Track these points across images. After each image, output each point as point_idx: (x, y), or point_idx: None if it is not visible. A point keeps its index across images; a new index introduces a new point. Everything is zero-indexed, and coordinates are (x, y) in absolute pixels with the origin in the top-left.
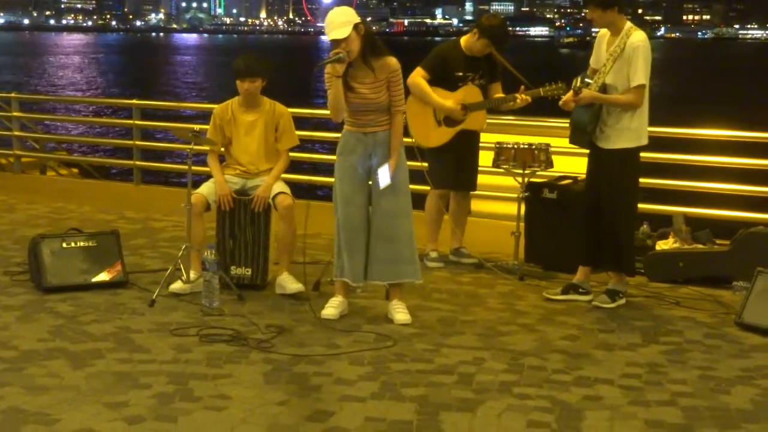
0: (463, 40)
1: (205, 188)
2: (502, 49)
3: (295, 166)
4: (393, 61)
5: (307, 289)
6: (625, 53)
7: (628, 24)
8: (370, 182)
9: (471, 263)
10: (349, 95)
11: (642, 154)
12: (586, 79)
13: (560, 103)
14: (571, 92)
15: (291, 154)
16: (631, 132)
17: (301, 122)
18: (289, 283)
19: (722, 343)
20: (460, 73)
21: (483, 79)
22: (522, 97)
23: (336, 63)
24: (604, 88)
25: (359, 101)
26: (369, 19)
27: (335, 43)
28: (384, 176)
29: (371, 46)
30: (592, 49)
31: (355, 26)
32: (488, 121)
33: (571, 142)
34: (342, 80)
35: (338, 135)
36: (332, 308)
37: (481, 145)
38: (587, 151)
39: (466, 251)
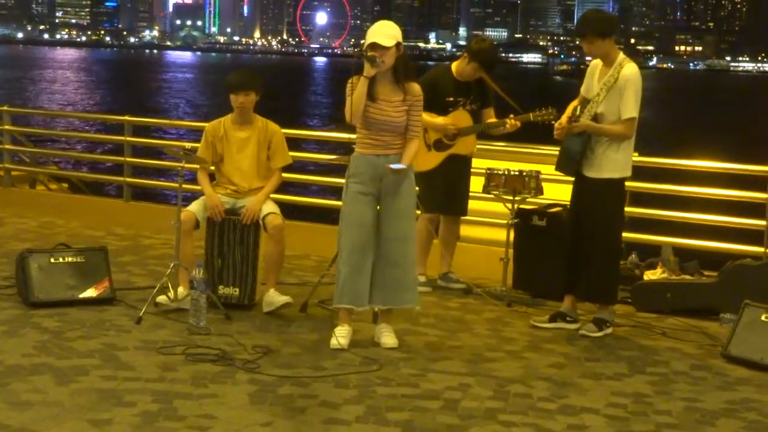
0: (454, 66)
1: (195, 206)
2: (491, 72)
3: (285, 187)
4: (418, 87)
5: (295, 311)
6: (617, 84)
7: (622, 55)
8: (378, 207)
9: (459, 288)
10: (370, 110)
11: (632, 184)
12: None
13: (555, 132)
14: (564, 118)
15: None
16: (617, 163)
17: (294, 143)
18: (275, 297)
19: (708, 375)
20: (451, 98)
21: (474, 105)
22: (512, 122)
23: (370, 62)
24: (595, 118)
25: (380, 117)
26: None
27: (374, 47)
28: (396, 165)
29: (405, 68)
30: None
31: (398, 44)
32: (479, 147)
33: (557, 169)
34: (368, 88)
35: (329, 157)
36: (342, 338)
37: (471, 170)
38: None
39: (454, 276)
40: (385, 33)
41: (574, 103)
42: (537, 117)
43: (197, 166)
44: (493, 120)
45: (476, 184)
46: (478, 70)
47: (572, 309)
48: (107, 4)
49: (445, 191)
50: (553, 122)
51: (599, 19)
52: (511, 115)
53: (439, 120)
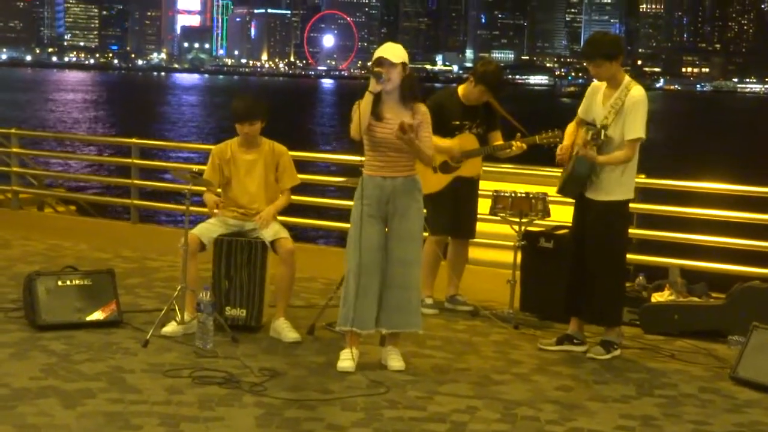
0: (461, 89)
1: (200, 228)
2: (498, 95)
3: (292, 209)
4: (424, 107)
5: (302, 333)
6: (625, 106)
7: (627, 77)
8: (387, 229)
9: (466, 310)
10: (377, 129)
11: (639, 206)
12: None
13: (558, 156)
14: (567, 142)
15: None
16: (622, 185)
17: (301, 165)
18: (285, 330)
19: (717, 397)
20: (457, 122)
21: (480, 128)
22: (518, 144)
23: (375, 78)
24: (585, 136)
25: (386, 136)
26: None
27: (380, 62)
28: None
29: (411, 88)
30: None
31: (404, 63)
32: (486, 169)
33: (561, 192)
34: (373, 106)
35: (337, 179)
36: (348, 361)
37: (478, 192)
38: None
39: (461, 298)
40: (391, 51)
41: (572, 125)
42: (543, 139)
43: (204, 188)
44: (499, 143)
45: (483, 206)
46: (484, 93)
47: (579, 331)
48: (116, 22)
49: (452, 213)
50: (560, 144)
51: (606, 42)
52: (518, 135)
53: (446, 142)
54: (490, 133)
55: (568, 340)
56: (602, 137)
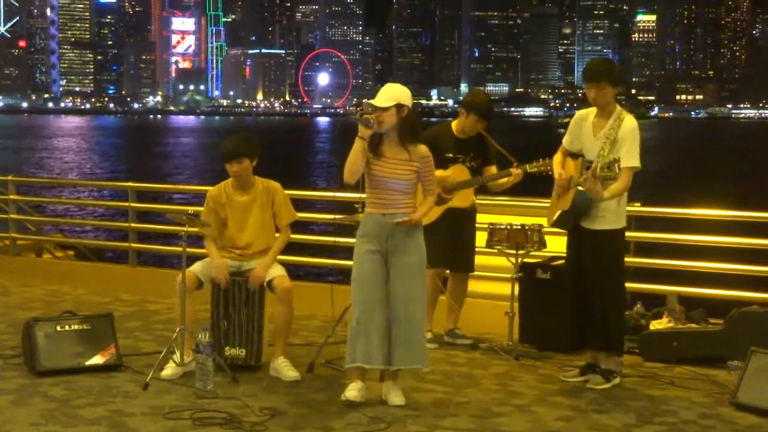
0: (455, 123)
1: (197, 266)
2: (489, 121)
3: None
4: (424, 148)
5: (302, 371)
6: (619, 136)
7: (618, 107)
8: (388, 265)
9: (466, 344)
10: (376, 168)
11: (636, 234)
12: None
13: (557, 189)
14: (566, 175)
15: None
16: (618, 214)
17: (298, 203)
18: (285, 369)
19: (717, 423)
20: (450, 155)
21: (475, 162)
22: (515, 172)
23: (361, 124)
24: (594, 170)
25: (386, 175)
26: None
27: (374, 108)
28: (399, 218)
29: (410, 131)
30: None
31: (399, 106)
32: (481, 202)
33: (555, 225)
34: (370, 144)
35: (334, 216)
36: (354, 391)
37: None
38: None
39: (460, 332)
40: (384, 94)
41: (558, 156)
42: (533, 168)
43: (199, 229)
44: (492, 173)
45: (480, 239)
46: (477, 122)
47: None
48: (111, 67)
49: (447, 246)
50: (551, 173)
51: (613, 68)
52: (515, 164)
53: (438, 173)
54: (485, 167)
55: (591, 369)
56: (617, 169)
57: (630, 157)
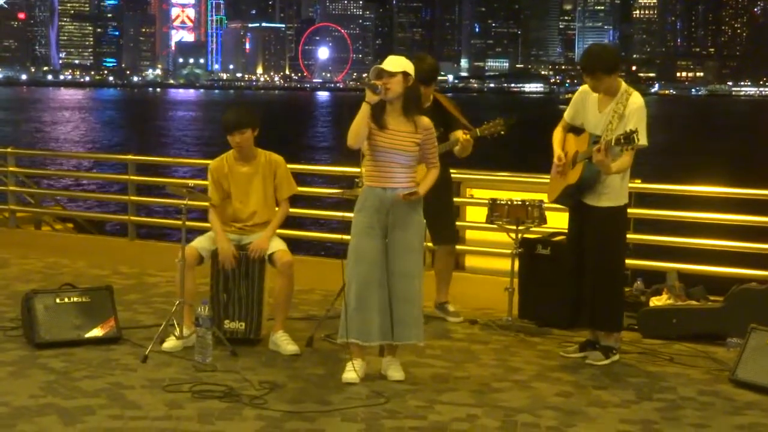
0: None
1: (199, 241)
2: (432, 84)
3: (289, 222)
4: (427, 120)
5: (301, 345)
6: (626, 112)
7: (624, 84)
8: (387, 240)
9: (455, 321)
10: (379, 138)
11: (636, 210)
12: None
13: (557, 168)
14: (570, 156)
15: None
16: (621, 190)
17: (299, 178)
18: (284, 343)
19: (716, 400)
20: None
21: (437, 131)
22: (464, 137)
23: (370, 89)
24: (609, 142)
25: (389, 146)
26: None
27: (379, 74)
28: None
29: (415, 102)
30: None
31: (405, 74)
32: (484, 177)
33: (558, 201)
34: (373, 115)
35: (334, 190)
36: (352, 372)
37: (474, 201)
38: None
39: (452, 308)
40: (393, 61)
41: (558, 131)
42: (484, 131)
43: (200, 203)
44: (450, 140)
45: (480, 214)
46: (425, 89)
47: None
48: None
49: (429, 221)
50: (502, 133)
51: (605, 56)
52: (464, 131)
53: None
54: (449, 133)
55: (590, 346)
56: (636, 140)
57: (638, 136)
